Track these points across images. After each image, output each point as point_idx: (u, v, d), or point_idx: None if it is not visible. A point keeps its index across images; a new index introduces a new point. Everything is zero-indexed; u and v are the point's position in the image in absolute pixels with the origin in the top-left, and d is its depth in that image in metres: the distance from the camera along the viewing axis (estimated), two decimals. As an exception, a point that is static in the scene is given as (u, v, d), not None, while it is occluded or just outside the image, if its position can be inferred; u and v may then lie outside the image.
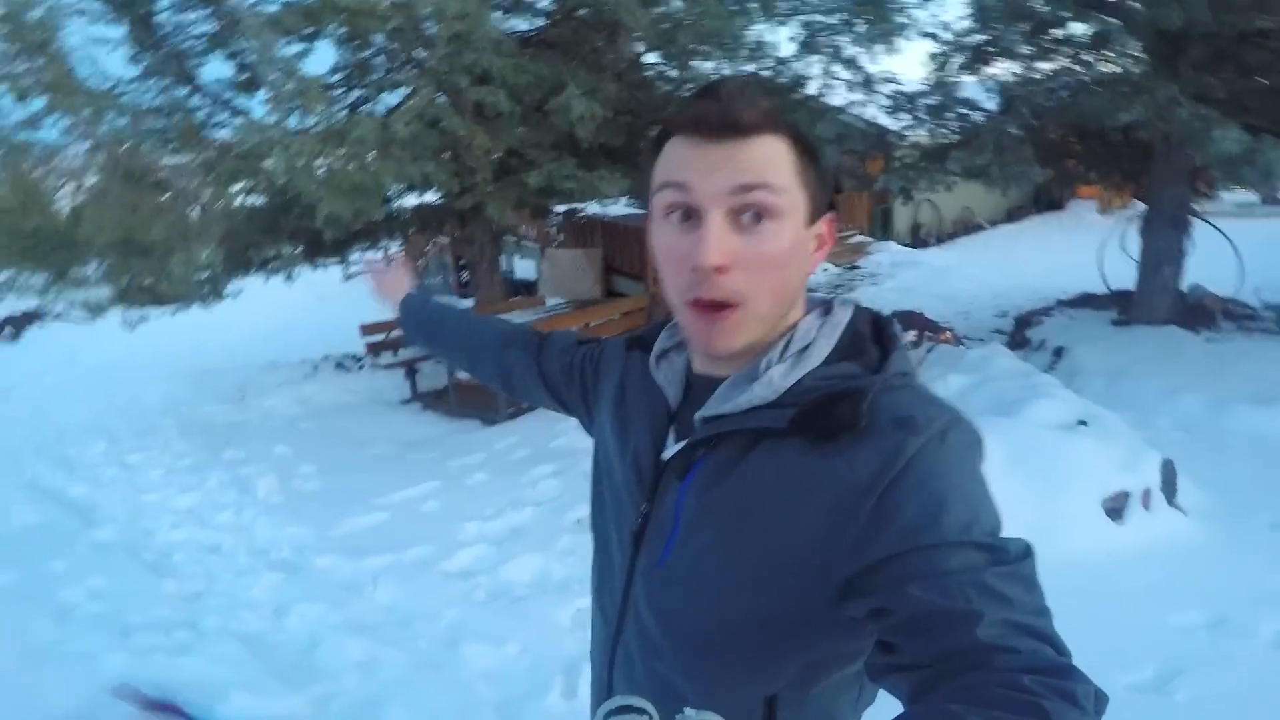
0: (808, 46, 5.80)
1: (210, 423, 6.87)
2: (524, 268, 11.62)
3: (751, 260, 0.72)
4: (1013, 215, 15.50)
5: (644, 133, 6.41)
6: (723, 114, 0.71)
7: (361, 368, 8.55)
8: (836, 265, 11.88)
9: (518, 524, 4.04)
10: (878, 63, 5.89)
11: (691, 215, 0.73)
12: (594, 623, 1.04)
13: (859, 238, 13.25)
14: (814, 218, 0.77)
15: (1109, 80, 4.53)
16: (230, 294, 6.90)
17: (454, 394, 6.58)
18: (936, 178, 5.38)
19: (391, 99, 6.73)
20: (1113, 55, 4.46)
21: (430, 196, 7.34)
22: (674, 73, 6.07)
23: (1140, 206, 6.70)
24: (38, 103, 4.90)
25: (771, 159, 0.72)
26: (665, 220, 0.76)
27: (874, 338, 0.80)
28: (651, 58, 6.08)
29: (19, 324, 16.18)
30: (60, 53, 4.52)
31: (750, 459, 0.75)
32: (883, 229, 13.55)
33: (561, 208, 9.06)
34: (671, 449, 0.84)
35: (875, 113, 6.53)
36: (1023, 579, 0.62)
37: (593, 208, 9.46)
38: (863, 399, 0.69)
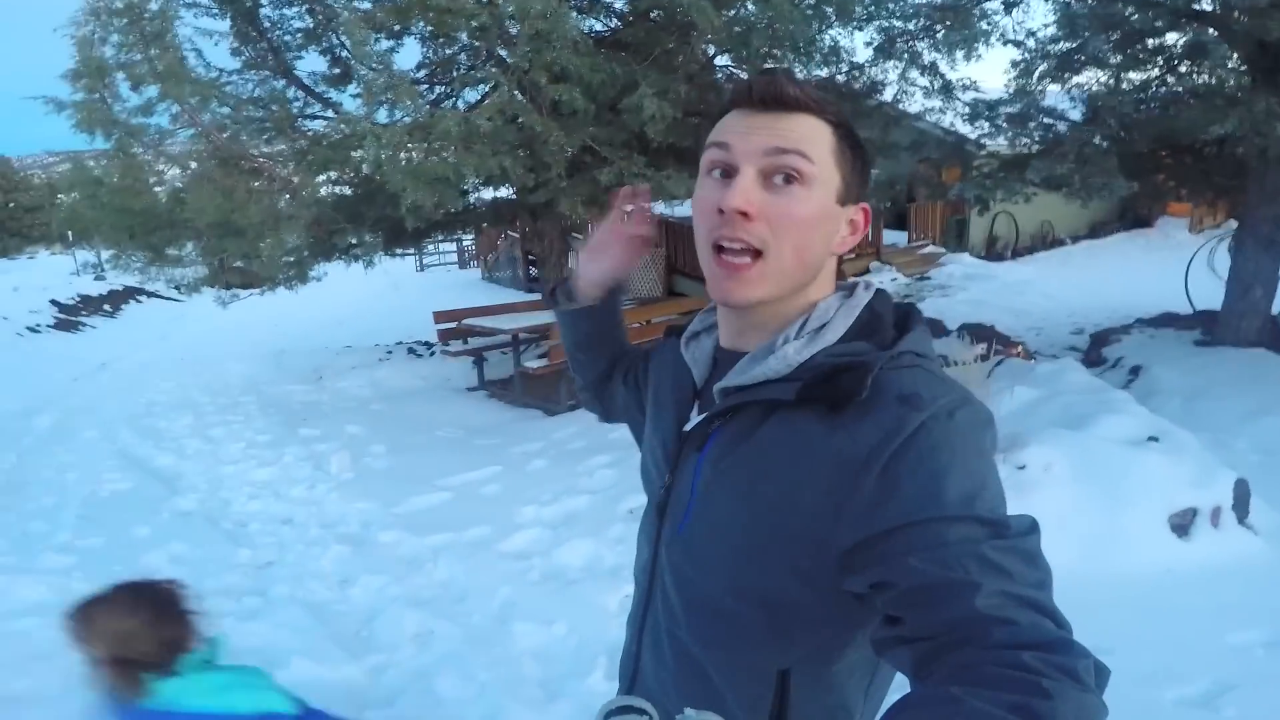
0: (884, 52, 5.73)
1: (288, 401, 7.21)
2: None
3: (776, 216, 0.76)
4: (1095, 231, 14.87)
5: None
6: (770, 87, 0.76)
7: (432, 354, 8.85)
8: (907, 275, 11.71)
9: (573, 510, 4.13)
10: (957, 69, 5.77)
11: (729, 172, 0.78)
12: (633, 600, 1.08)
13: (931, 248, 13.03)
14: (845, 200, 0.80)
15: (1203, 92, 4.32)
16: (314, 278, 7.24)
17: (519, 383, 6.74)
18: (1015, 188, 5.23)
19: (471, 95, 6.97)
20: (1208, 67, 4.24)
21: (504, 191, 7.54)
22: (745, 75, 6.08)
23: (1233, 225, 6.37)
24: (150, 90, 5.25)
25: (810, 134, 0.76)
26: (707, 177, 0.81)
27: (896, 322, 0.82)
28: (722, 60, 6.10)
29: (118, 300, 17.28)
30: (174, 43, 4.83)
31: (762, 430, 0.78)
32: (957, 240, 13.21)
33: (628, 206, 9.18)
34: (693, 420, 0.89)
35: (953, 120, 6.39)
36: (1023, 553, 0.62)
37: (658, 207, 9.56)
38: (868, 371, 0.71)
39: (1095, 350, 6.87)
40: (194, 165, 6.22)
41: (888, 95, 6.12)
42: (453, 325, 7.51)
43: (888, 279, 11.35)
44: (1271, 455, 4.26)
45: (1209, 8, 4.42)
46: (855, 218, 0.82)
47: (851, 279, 0.87)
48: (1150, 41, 5.11)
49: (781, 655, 0.80)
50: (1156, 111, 5.13)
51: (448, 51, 6.51)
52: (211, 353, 10.44)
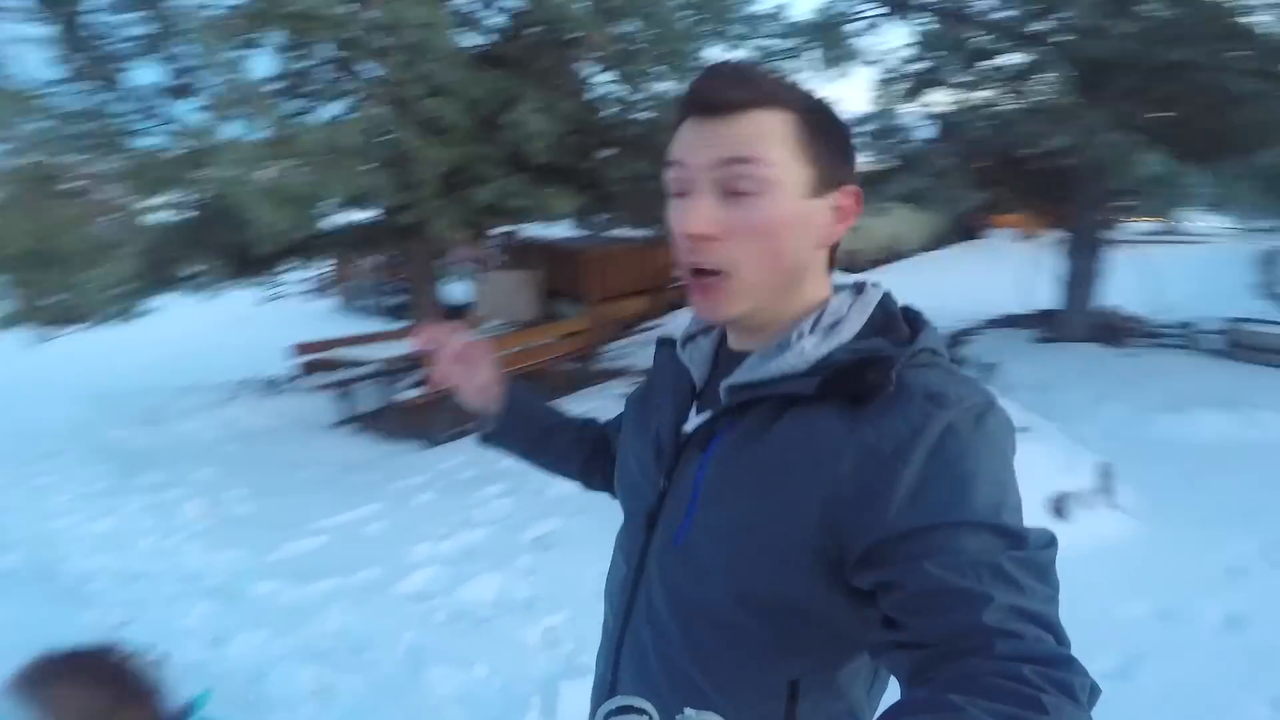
0: None
1: (123, 447, 6.41)
2: (454, 291, 11.41)
3: (740, 229, 0.73)
4: (936, 243, 16.28)
5: (593, 153, 6.45)
6: (710, 92, 0.73)
7: (285, 390, 8.18)
8: None
9: (471, 544, 3.91)
10: (823, 89, 6.08)
11: (685, 192, 0.75)
12: (604, 630, 1.00)
13: None
14: (821, 189, 0.76)
15: (1039, 108, 4.84)
16: (144, 312, 6.50)
17: (392, 415, 6.36)
18: (876, 203, 5.60)
19: (331, 109, 6.58)
20: (1044, 85, 4.76)
21: (365, 214, 7.17)
22: (625, 93, 6.14)
23: (1057, 233, 7.16)
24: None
25: (762, 134, 0.72)
26: (672, 198, 0.78)
27: (905, 318, 0.80)
28: (605, 77, 6.13)
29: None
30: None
31: (777, 426, 0.74)
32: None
33: (501, 229, 8.99)
34: (694, 420, 0.84)
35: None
36: (1038, 567, 0.62)
37: (532, 229, 9.44)
38: (891, 365, 0.70)
39: (952, 351, 7.43)
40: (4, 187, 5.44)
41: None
42: (316, 358, 7.00)
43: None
44: (1118, 439, 4.74)
45: (1043, 29, 4.97)
46: (841, 204, 0.78)
47: (856, 278, 0.85)
48: (996, 61, 5.66)
49: (790, 666, 0.76)
50: (1000, 126, 5.66)
51: (307, 63, 6.12)
52: (26, 396, 9.15)
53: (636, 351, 8.46)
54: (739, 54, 5.88)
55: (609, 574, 0.98)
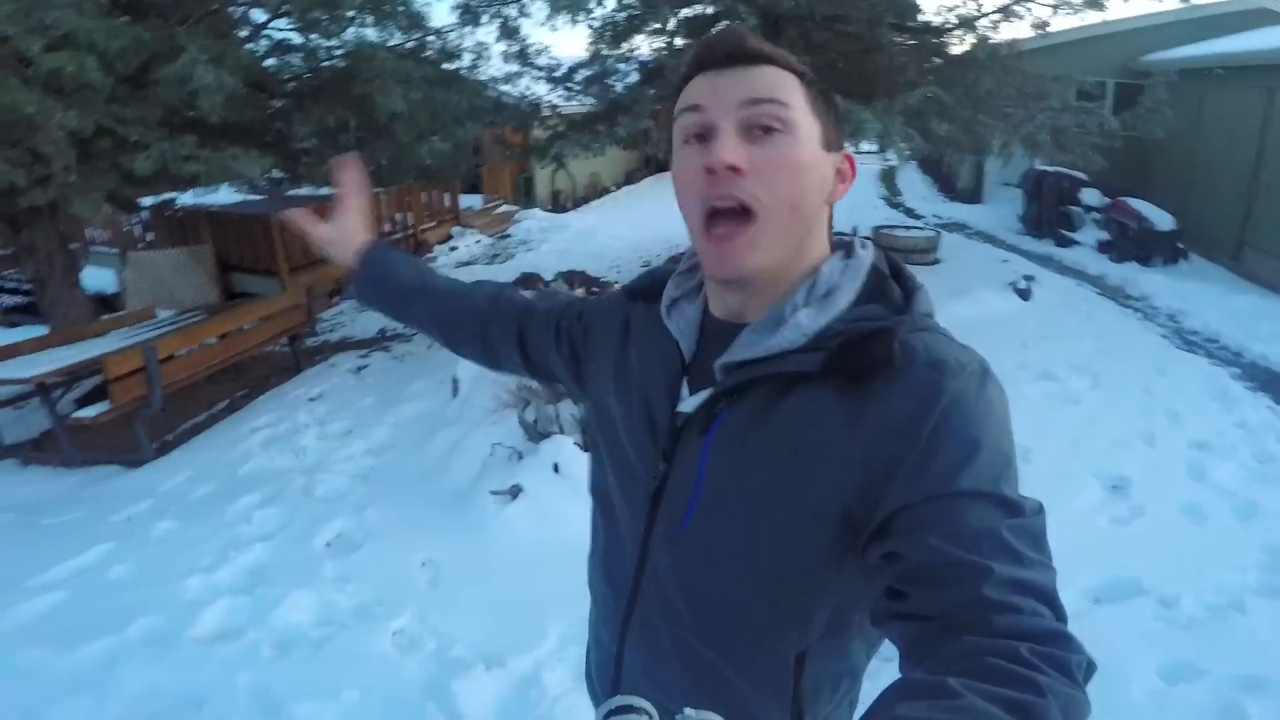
0: (470, 17, 5.70)
1: None
2: (93, 278, 9.42)
3: (766, 166, 0.72)
4: (631, 178, 17.30)
5: (270, 108, 5.72)
6: (733, 41, 0.76)
7: None
8: (489, 235, 12.02)
9: (255, 565, 3.47)
10: (534, 37, 6.00)
11: (706, 135, 0.74)
12: (596, 599, 1.00)
13: (505, 207, 13.58)
14: (829, 147, 0.78)
15: None
16: None
17: (65, 438, 5.20)
18: (590, 144, 5.83)
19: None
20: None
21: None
22: (309, 41, 5.47)
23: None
24: None
25: (781, 82, 0.74)
26: (684, 147, 0.77)
27: (894, 277, 0.81)
28: (281, 24, 5.39)
29: None
30: None
31: (783, 407, 0.73)
32: (526, 197, 14.04)
33: (149, 200, 7.57)
34: (690, 401, 0.81)
35: (528, 84, 6.71)
36: (1033, 535, 0.63)
37: (186, 199, 8.07)
38: (893, 337, 0.69)
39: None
40: None
41: (465, 61, 6.14)
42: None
43: (471, 241, 11.51)
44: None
45: None
46: (842, 166, 0.80)
47: (844, 237, 0.86)
48: (690, 11, 6.12)
49: (802, 639, 0.78)
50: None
51: None
52: None
53: (353, 318, 7.84)
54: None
55: (602, 551, 0.96)
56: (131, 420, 5.07)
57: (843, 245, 0.83)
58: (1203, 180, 9.04)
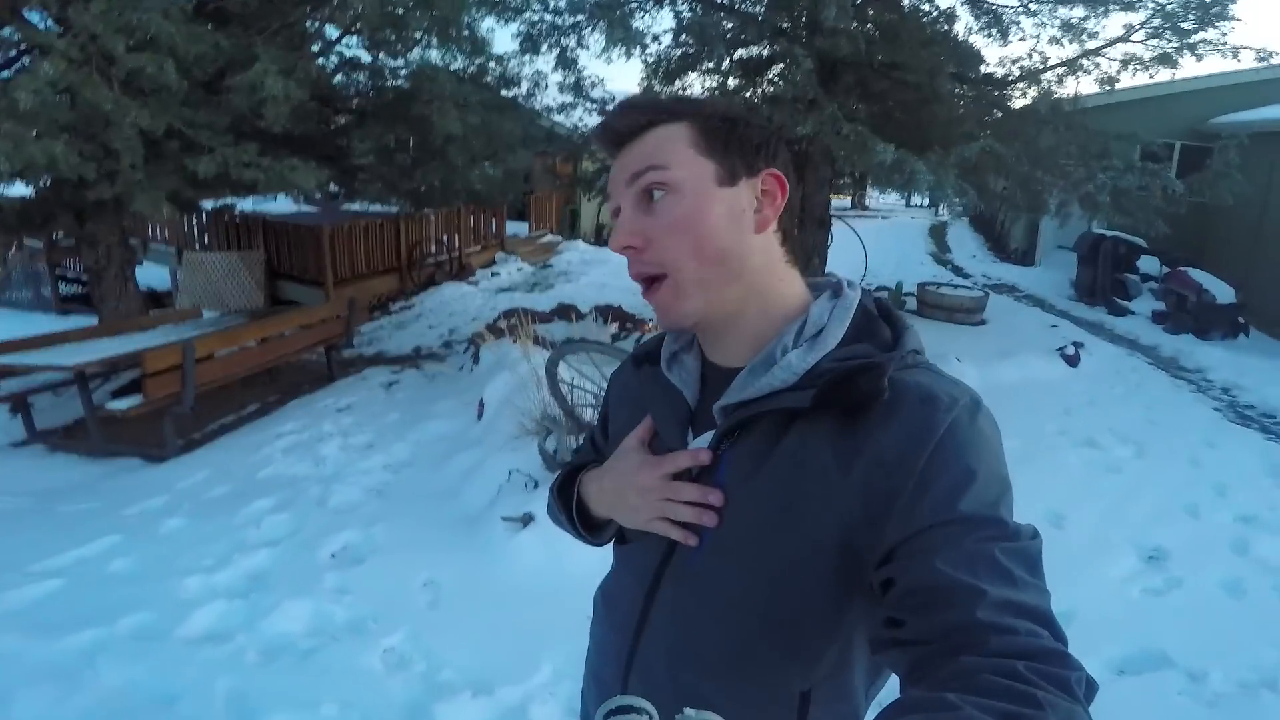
0: (530, 45, 5.81)
1: None
2: (148, 274, 9.73)
3: (658, 233, 0.77)
4: None
5: (333, 122, 5.86)
6: (612, 128, 0.81)
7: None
8: (531, 263, 12.14)
9: (256, 569, 3.43)
10: (589, 70, 6.11)
11: (616, 215, 0.82)
12: (596, 634, 1.02)
13: (550, 237, 13.71)
14: (735, 178, 0.78)
15: (788, 98, 5.38)
16: None
17: (95, 428, 5.29)
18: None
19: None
20: (791, 76, 5.26)
21: (27, 188, 5.81)
22: (376, 60, 5.62)
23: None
24: None
25: (660, 143, 0.77)
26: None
27: (882, 317, 0.82)
28: (352, 42, 5.56)
29: None
30: None
31: (783, 443, 0.75)
32: (570, 229, 14.18)
33: (209, 204, 7.81)
34: (695, 444, 0.83)
35: (581, 116, 6.78)
36: (1028, 558, 0.63)
37: (247, 205, 8.32)
38: (883, 372, 0.70)
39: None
40: None
41: (523, 89, 6.24)
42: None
43: (514, 268, 11.63)
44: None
45: (787, 25, 5.50)
46: (765, 188, 0.79)
47: (829, 277, 0.87)
48: (745, 52, 6.12)
49: (805, 677, 0.77)
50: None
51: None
52: None
53: (391, 334, 7.92)
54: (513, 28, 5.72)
55: (607, 588, 1.00)
56: (162, 416, 5.13)
57: (830, 286, 0.85)
58: (1269, 251, 8.66)
